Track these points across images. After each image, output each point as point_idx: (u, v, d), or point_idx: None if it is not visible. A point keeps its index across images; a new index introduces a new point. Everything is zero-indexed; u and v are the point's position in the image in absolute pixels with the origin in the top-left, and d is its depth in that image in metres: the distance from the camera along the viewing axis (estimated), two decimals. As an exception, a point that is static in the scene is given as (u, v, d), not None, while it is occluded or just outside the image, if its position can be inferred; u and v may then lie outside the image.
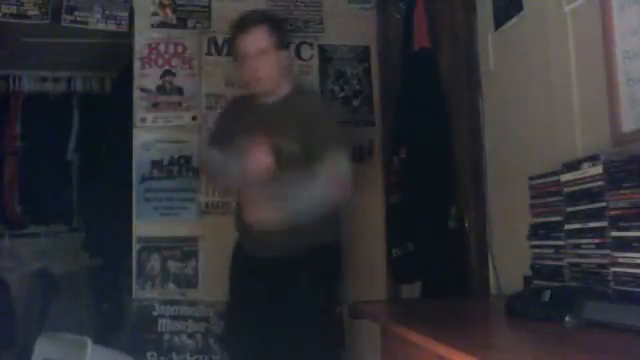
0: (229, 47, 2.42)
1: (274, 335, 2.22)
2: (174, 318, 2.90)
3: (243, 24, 2.25)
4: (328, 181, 2.11)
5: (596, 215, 1.56)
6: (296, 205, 2.11)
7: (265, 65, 2.21)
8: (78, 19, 3.08)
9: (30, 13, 3.03)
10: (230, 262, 2.45)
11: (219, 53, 3.04)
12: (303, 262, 2.21)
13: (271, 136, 2.14)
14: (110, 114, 3.63)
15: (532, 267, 1.88)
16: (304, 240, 2.21)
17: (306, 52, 3.14)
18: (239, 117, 2.37)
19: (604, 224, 1.53)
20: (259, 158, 2.08)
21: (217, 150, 2.34)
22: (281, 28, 2.34)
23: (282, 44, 2.30)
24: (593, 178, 1.58)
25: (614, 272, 1.49)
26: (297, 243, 2.21)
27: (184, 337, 2.89)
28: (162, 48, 3.05)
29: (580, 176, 1.63)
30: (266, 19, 2.29)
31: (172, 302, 2.91)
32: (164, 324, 2.89)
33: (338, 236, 2.43)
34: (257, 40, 2.21)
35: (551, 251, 1.78)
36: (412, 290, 2.81)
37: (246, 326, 2.31)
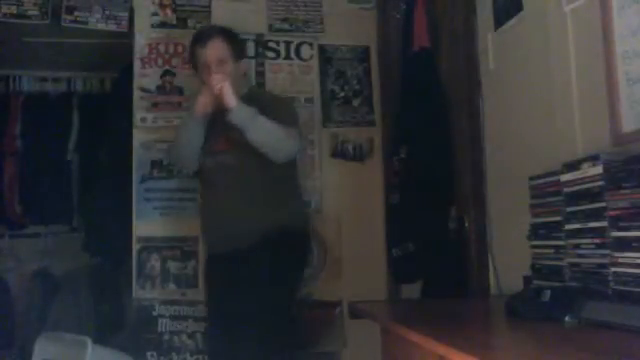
0: (190, 59, 2.59)
1: (241, 330, 2.31)
2: (174, 318, 2.89)
3: (203, 36, 2.48)
4: (281, 128, 2.34)
5: (596, 215, 1.56)
6: (252, 115, 2.29)
7: (224, 73, 2.36)
8: (78, 19, 3.08)
9: (30, 13, 3.03)
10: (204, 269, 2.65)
11: (219, 53, 3.05)
12: (266, 252, 2.32)
13: (228, 133, 2.37)
14: (110, 114, 3.63)
15: (532, 267, 1.88)
16: (267, 229, 2.32)
17: (306, 52, 3.14)
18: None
19: (604, 224, 1.53)
20: (215, 80, 2.30)
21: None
22: (237, 40, 2.55)
23: (239, 55, 2.53)
24: (593, 178, 1.58)
25: (614, 272, 1.49)
26: (260, 232, 2.32)
27: (184, 337, 2.88)
28: (162, 48, 3.05)
29: (580, 176, 1.63)
30: (223, 32, 2.50)
31: (172, 302, 2.91)
32: (164, 324, 2.89)
33: (305, 227, 2.58)
34: (216, 50, 2.43)
35: (551, 251, 1.78)
36: (412, 290, 2.81)
37: (219, 325, 2.43)
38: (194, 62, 2.51)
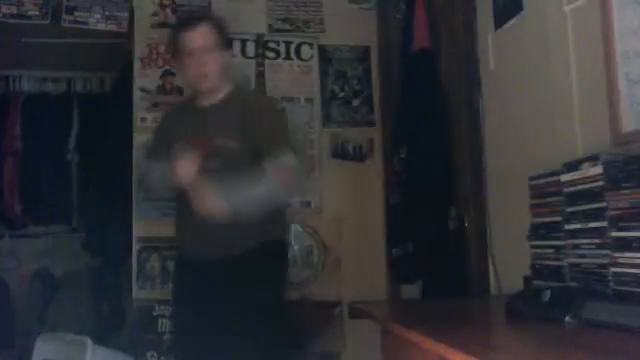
0: (170, 44, 2.35)
1: (224, 337, 2.16)
2: (174, 318, 2.89)
3: (189, 21, 2.28)
4: (272, 178, 2.10)
5: (596, 215, 1.56)
6: (239, 200, 2.07)
7: (211, 61, 2.20)
8: (78, 19, 3.08)
9: (30, 13, 3.03)
10: (173, 272, 2.48)
11: (219, 53, 3.05)
12: (249, 261, 2.16)
13: (211, 138, 2.18)
14: (110, 114, 3.63)
15: (532, 267, 1.88)
16: (250, 238, 2.17)
17: (306, 52, 3.14)
18: (178, 124, 2.34)
19: (604, 224, 1.53)
20: (183, 169, 2.08)
21: (155, 162, 2.31)
22: (224, 28, 2.33)
23: (225, 44, 2.31)
24: (593, 178, 1.58)
25: (614, 272, 1.49)
26: (243, 241, 2.17)
27: (184, 337, 2.88)
28: (162, 48, 3.05)
29: (580, 176, 1.63)
30: (210, 18, 2.32)
31: (172, 302, 2.91)
32: (164, 324, 2.89)
33: (284, 233, 2.44)
34: (203, 36, 2.21)
35: (551, 251, 1.78)
36: (412, 290, 2.81)
37: (195, 331, 2.22)
38: (175, 48, 2.27)
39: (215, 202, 2.03)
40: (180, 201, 2.26)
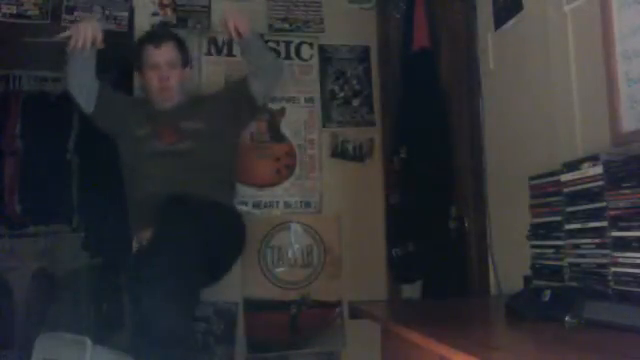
0: (136, 56, 2.62)
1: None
2: (174, 318, 2.89)
3: (157, 37, 2.57)
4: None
5: (596, 215, 1.56)
6: (259, 41, 2.60)
7: (173, 76, 2.51)
8: (78, 19, 3.07)
9: (30, 13, 3.03)
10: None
11: (219, 53, 3.05)
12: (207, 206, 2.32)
13: (177, 124, 2.49)
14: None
15: (532, 267, 1.89)
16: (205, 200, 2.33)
17: (306, 52, 3.14)
18: (135, 115, 2.58)
19: (604, 224, 1.53)
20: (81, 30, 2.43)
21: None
22: (185, 48, 2.66)
23: (186, 62, 2.62)
24: (593, 178, 1.58)
25: (614, 272, 1.49)
26: (198, 198, 2.30)
27: (184, 337, 2.88)
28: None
29: (580, 176, 1.64)
30: (175, 37, 2.62)
31: (172, 302, 2.90)
32: (164, 324, 2.88)
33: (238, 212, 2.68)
34: (168, 53, 2.52)
35: (551, 251, 1.78)
36: (412, 290, 2.81)
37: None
38: (140, 61, 2.56)
39: (247, 21, 2.44)
40: (142, 183, 2.50)
